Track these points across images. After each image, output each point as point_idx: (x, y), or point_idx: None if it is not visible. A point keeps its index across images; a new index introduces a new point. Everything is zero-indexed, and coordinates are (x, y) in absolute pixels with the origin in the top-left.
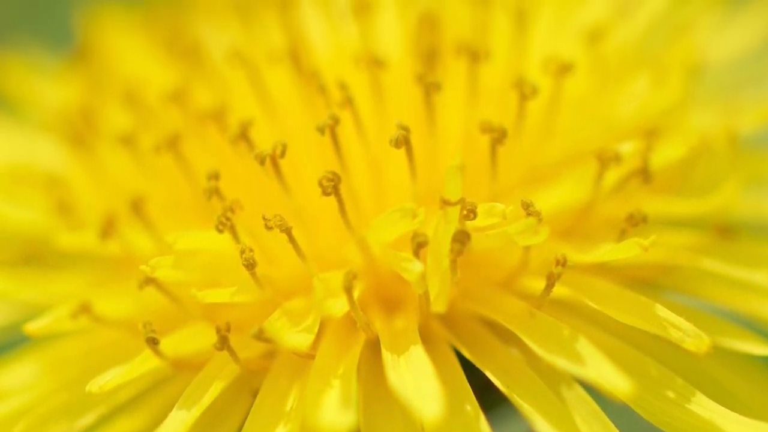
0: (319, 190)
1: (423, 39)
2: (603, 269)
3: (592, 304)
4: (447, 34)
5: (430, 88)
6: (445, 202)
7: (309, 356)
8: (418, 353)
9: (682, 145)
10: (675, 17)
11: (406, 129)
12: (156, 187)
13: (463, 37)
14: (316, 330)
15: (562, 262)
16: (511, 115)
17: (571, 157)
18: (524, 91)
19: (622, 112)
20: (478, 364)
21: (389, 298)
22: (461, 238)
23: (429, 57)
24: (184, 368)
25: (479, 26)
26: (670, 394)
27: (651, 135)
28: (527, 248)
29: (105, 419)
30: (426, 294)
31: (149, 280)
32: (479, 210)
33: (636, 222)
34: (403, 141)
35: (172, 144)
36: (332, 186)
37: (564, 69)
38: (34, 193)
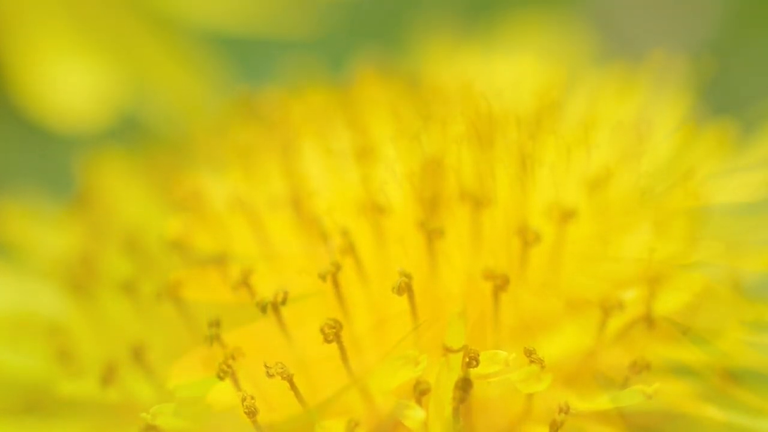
0: (321, 336)
1: (425, 184)
2: (606, 416)
3: None
4: (449, 180)
5: (432, 234)
6: (448, 350)
7: None
8: None
9: (686, 293)
10: (679, 162)
11: (408, 276)
12: (157, 333)
13: (466, 183)
14: None
15: (565, 410)
16: (514, 262)
17: (574, 304)
18: (527, 238)
19: (626, 259)
20: None
21: None
22: (464, 386)
23: (431, 203)
24: None
25: (482, 172)
26: None
27: (654, 282)
28: (530, 395)
29: None
30: None
31: (150, 428)
32: (481, 357)
33: (639, 369)
34: (405, 288)
35: (173, 291)
36: (334, 333)
37: (566, 215)
38: (34, 340)
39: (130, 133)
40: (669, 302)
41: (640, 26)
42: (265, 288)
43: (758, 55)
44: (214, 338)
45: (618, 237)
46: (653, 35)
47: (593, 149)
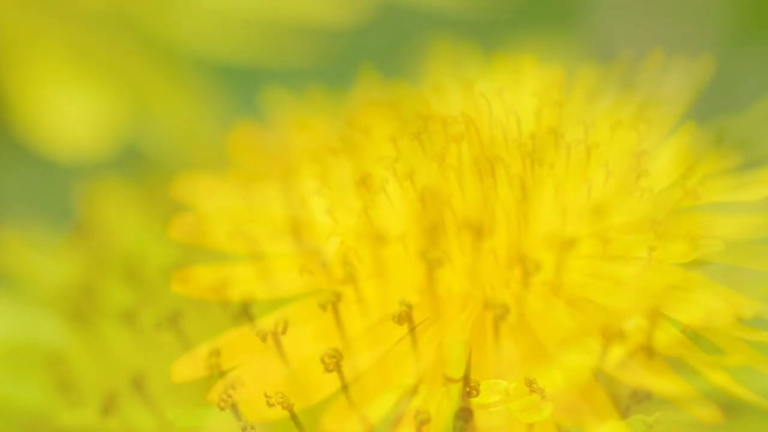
0: (321, 365)
1: (426, 213)
2: None
3: None
4: (450, 209)
5: (432, 263)
6: (448, 379)
7: None
8: None
9: (686, 323)
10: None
11: (408, 305)
12: (157, 362)
13: (467, 212)
14: None
15: None
16: (515, 291)
17: (574, 333)
18: (527, 268)
19: (627, 288)
20: None
21: None
22: (464, 416)
23: (432, 231)
24: None
25: (482, 201)
26: None
27: (655, 311)
28: (530, 425)
29: None
30: None
31: None
32: (482, 387)
33: (640, 399)
34: (405, 317)
35: (173, 320)
36: (334, 363)
37: (567, 245)
38: (34, 369)
39: (131, 162)
40: (670, 332)
41: (640, 26)
42: (265, 316)
43: (758, 55)
44: (213, 367)
45: (619, 266)
46: (652, 35)
47: (594, 177)
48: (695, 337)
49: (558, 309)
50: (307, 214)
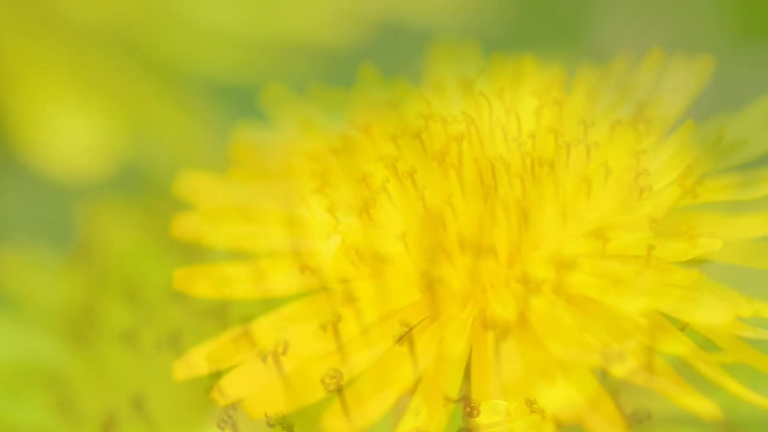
0: (321, 386)
1: (426, 233)
2: None
3: None
4: (450, 229)
5: (433, 282)
6: (448, 400)
7: None
8: None
9: (686, 344)
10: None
11: (407, 325)
12: (157, 383)
13: (467, 232)
14: None
15: None
16: (515, 311)
17: (575, 353)
18: (528, 287)
19: (628, 309)
20: None
21: None
22: None
23: (432, 251)
24: None
25: (482, 221)
26: None
27: (656, 331)
28: None
29: None
30: None
31: None
32: (482, 407)
33: (640, 419)
34: (405, 338)
35: (173, 340)
36: (335, 383)
37: (567, 266)
38: (35, 390)
39: (130, 182)
40: (670, 351)
41: (639, 26)
42: (266, 336)
43: (757, 55)
44: (214, 388)
45: (620, 287)
46: (652, 35)
47: (594, 199)
48: (695, 335)
49: (558, 307)
50: (306, 233)
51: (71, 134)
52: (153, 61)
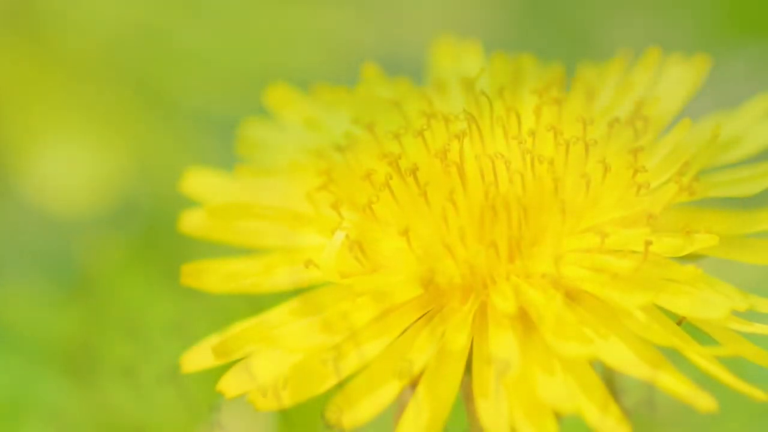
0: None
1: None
2: None
3: None
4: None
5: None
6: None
7: None
8: None
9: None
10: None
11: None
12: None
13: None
14: None
15: None
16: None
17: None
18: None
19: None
20: None
21: None
22: None
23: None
24: None
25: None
26: None
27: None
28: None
29: None
30: None
31: None
32: None
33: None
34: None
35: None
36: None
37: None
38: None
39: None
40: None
41: (637, 26)
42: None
43: (752, 54)
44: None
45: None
46: (649, 35)
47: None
48: (691, 329)
49: (558, 302)
50: (312, 209)
51: (70, 167)
52: (153, 95)
